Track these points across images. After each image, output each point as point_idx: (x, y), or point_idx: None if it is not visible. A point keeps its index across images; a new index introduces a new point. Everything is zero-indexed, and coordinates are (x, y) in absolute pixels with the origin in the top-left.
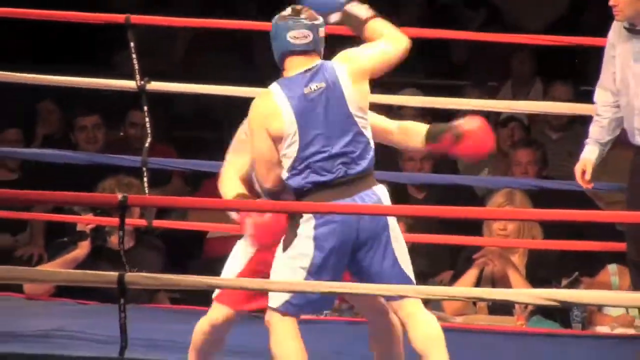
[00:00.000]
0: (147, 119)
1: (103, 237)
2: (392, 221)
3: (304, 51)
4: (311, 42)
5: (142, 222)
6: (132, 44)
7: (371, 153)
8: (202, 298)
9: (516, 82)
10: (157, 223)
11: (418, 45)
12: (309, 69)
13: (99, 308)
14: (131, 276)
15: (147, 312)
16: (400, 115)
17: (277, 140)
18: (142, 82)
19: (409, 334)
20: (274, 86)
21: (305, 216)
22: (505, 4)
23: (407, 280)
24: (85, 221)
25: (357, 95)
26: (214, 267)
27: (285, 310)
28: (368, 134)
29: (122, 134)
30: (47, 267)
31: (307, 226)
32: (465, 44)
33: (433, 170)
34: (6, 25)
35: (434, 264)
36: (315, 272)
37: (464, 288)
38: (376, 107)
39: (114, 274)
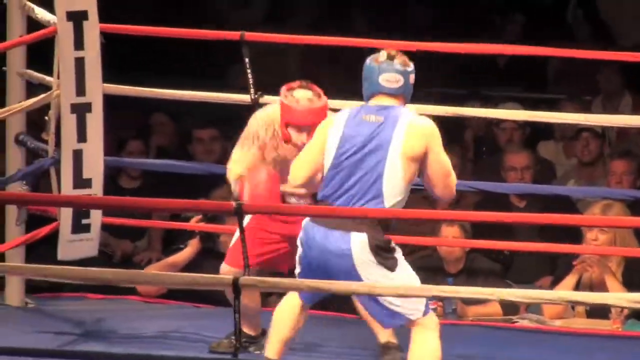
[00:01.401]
0: None
1: (212, 239)
2: (359, 264)
3: (392, 94)
4: (401, 87)
5: None
6: (246, 60)
7: (378, 201)
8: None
9: (605, 96)
10: None
11: (515, 60)
12: (380, 104)
13: (212, 311)
14: (246, 279)
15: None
16: (502, 128)
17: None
18: (256, 96)
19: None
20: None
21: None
22: (608, 19)
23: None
24: (200, 228)
25: (405, 146)
26: None
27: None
28: (390, 185)
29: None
30: (159, 265)
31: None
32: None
33: (533, 180)
34: (124, 40)
35: (535, 271)
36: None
37: (563, 292)
38: (477, 121)
39: (229, 277)
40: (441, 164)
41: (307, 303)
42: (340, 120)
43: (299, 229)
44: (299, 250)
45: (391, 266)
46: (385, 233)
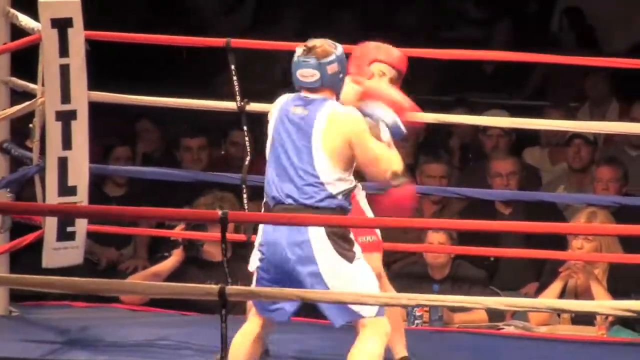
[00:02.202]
0: (247, 138)
1: (196, 248)
2: (321, 262)
3: (312, 88)
4: (318, 80)
5: (241, 237)
6: (232, 67)
7: (323, 194)
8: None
9: (592, 102)
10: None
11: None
12: (309, 97)
13: (198, 319)
14: (232, 289)
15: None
16: (488, 135)
17: None
18: (242, 103)
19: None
20: (283, 96)
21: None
22: (596, 25)
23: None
24: (185, 236)
25: (326, 142)
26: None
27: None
28: (325, 174)
29: (223, 152)
30: (143, 274)
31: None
32: (546, 65)
33: (519, 187)
34: (109, 47)
35: (520, 277)
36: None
37: (549, 300)
38: (463, 128)
39: (215, 287)
40: (366, 151)
41: (273, 320)
42: (274, 112)
43: None
44: (257, 254)
45: (350, 258)
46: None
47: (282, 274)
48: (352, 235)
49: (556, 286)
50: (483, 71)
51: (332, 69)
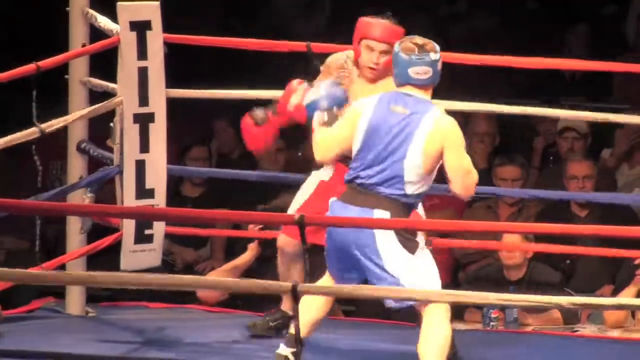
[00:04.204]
0: None
1: (272, 246)
2: (380, 238)
3: (421, 86)
4: (429, 78)
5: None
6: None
7: (402, 190)
8: (373, 309)
9: None
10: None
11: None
12: (409, 94)
13: None
14: (304, 286)
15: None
16: (564, 138)
17: None
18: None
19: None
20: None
21: None
22: None
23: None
24: (260, 236)
25: (426, 145)
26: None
27: None
28: (411, 173)
29: (300, 154)
30: (219, 271)
31: None
32: None
33: (594, 190)
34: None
35: (596, 280)
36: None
37: (620, 298)
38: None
39: (288, 284)
40: (458, 163)
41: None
42: (370, 106)
43: None
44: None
45: (411, 248)
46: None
47: (344, 255)
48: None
49: (631, 290)
50: (561, 74)
51: (440, 65)
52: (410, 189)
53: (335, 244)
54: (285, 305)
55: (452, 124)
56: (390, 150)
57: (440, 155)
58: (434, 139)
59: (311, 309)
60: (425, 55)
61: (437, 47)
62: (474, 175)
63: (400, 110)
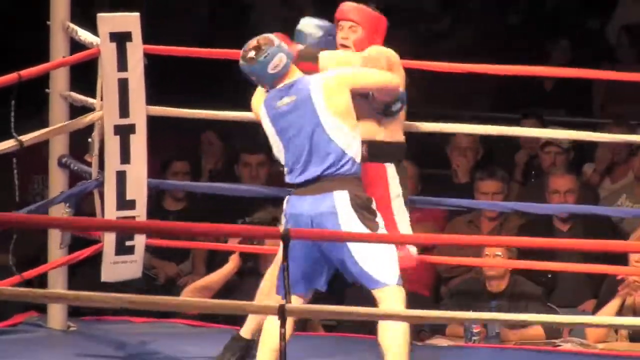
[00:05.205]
0: None
1: (253, 258)
2: (342, 219)
3: (286, 73)
4: (286, 64)
5: None
6: None
7: (344, 160)
8: (357, 327)
9: None
10: None
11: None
12: (286, 84)
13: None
14: (292, 307)
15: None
16: (546, 152)
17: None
18: None
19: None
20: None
21: None
22: None
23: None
24: (242, 249)
25: (330, 106)
26: (370, 295)
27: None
28: (342, 141)
29: (281, 168)
30: (198, 285)
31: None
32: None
33: (577, 203)
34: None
35: (578, 294)
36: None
37: (606, 317)
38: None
39: (274, 305)
40: (370, 82)
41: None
42: (263, 113)
43: None
44: (284, 225)
45: (374, 228)
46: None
47: (305, 245)
48: (374, 205)
49: (614, 304)
50: (542, 88)
51: (285, 47)
52: (350, 152)
53: (302, 247)
54: (246, 329)
55: (334, 73)
56: (307, 137)
57: (349, 102)
58: (333, 98)
59: (273, 335)
60: (268, 51)
61: (272, 36)
62: (388, 80)
63: (288, 101)
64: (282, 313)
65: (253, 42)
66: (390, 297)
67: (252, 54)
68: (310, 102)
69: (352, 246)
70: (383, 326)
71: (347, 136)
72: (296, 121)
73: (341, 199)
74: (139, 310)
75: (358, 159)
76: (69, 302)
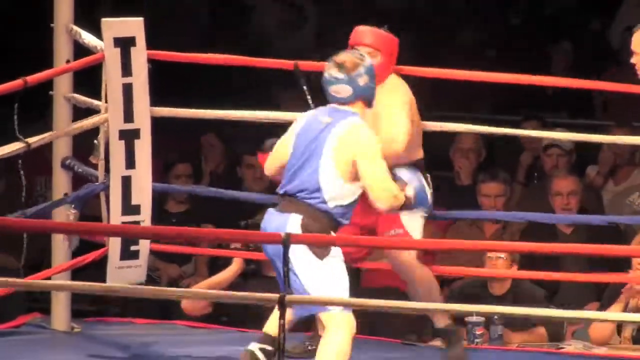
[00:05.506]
0: None
1: (256, 261)
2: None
3: (343, 102)
4: (351, 95)
5: None
6: (305, 88)
7: (322, 198)
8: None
9: None
10: None
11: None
12: (335, 109)
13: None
14: (291, 297)
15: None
16: (548, 155)
17: None
18: None
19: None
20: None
21: None
22: None
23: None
24: (244, 255)
25: (333, 154)
26: (371, 297)
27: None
28: (326, 186)
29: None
30: (204, 284)
31: None
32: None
33: (579, 206)
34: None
35: (581, 297)
36: None
37: (609, 313)
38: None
39: (275, 295)
40: (371, 172)
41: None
42: (303, 117)
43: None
44: None
45: (320, 255)
46: (330, 228)
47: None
48: (332, 234)
49: (617, 306)
50: (544, 91)
51: (364, 79)
52: (332, 202)
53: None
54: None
55: (366, 132)
56: (310, 160)
57: (352, 165)
58: (345, 144)
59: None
60: (341, 74)
61: (362, 61)
62: (392, 190)
63: (326, 120)
64: (282, 303)
65: (348, 55)
66: (337, 323)
67: (350, 64)
68: (328, 133)
69: (297, 269)
70: (322, 342)
71: (338, 187)
72: (312, 139)
73: (293, 222)
74: (142, 312)
75: (337, 206)
76: (73, 290)
